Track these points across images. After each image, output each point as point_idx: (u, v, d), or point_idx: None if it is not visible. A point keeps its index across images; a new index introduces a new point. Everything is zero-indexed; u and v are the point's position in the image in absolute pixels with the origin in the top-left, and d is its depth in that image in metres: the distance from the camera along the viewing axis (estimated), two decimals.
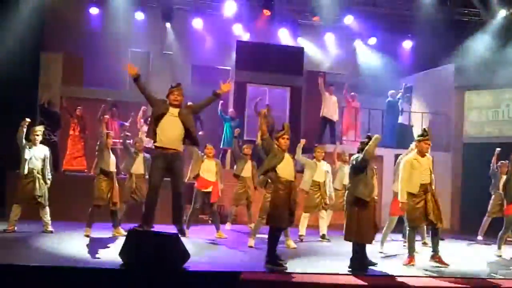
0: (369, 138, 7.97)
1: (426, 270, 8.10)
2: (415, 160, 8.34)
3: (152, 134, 7.85)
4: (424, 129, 8.74)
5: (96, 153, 10.30)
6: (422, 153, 8.40)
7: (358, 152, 8.09)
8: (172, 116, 7.74)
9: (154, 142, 7.84)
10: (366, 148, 7.77)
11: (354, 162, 7.96)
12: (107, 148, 10.09)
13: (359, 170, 7.84)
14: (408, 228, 8.55)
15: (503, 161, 11.90)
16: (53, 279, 6.57)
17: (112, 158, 10.16)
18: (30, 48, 14.00)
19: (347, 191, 8.13)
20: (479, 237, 12.27)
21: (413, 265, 8.31)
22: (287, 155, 7.82)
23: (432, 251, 8.44)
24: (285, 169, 7.68)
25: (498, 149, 12.25)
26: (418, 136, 8.62)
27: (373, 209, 7.94)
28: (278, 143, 7.80)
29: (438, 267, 8.16)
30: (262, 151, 9.94)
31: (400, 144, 15.00)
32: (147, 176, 10.97)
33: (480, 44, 17.20)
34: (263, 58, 16.70)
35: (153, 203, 7.74)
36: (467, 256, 10.06)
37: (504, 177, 10.84)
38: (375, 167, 8.52)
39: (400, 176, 8.39)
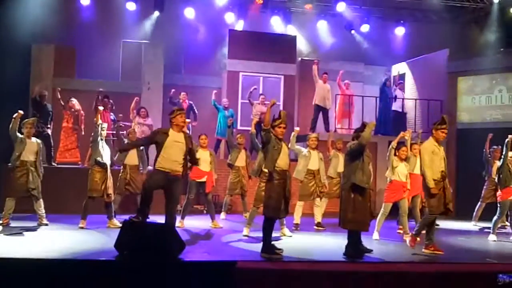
0: (364, 125, 7.96)
1: (421, 255, 8.13)
2: (435, 146, 8.23)
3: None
4: (443, 116, 8.52)
5: (90, 144, 10.26)
6: (438, 141, 8.29)
7: (353, 140, 8.09)
8: (175, 142, 7.77)
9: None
10: (362, 134, 7.75)
11: (350, 149, 7.93)
12: (101, 139, 10.05)
13: (355, 156, 7.82)
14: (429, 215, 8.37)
15: (495, 147, 11.94)
16: (49, 272, 6.56)
17: (106, 149, 10.13)
18: (21, 40, 13.90)
19: (343, 178, 8.12)
20: (473, 223, 12.34)
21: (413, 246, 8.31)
22: (283, 144, 7.81)
23: (427, 240, 8.34)
24: (281, 159, 7.67)
25: (490, 134, 12.28)
26: (436, 123, 8.40)
27: (369, 196, 7.94)
28: (274, 132, 7.78)
29: (433, 254, 8.14)
30: (256, 140, 9.99)
31: (395, 131, 15.02)
32: (141, 168, 11.02)
33: (473, 30, 17.24)
34: (256, 47, 16.67)
35: (148, 200, 7.76)
36: (462, 241, 10.10)
37: (497, 163, 10.88)
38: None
39: (423, 162, 8.18)
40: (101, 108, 10.69)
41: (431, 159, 8.13)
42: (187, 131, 9.82)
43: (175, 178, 7.75)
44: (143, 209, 7.67)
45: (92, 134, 10.11)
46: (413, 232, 8.50)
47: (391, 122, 15.71)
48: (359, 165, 7.78)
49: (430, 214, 8.29)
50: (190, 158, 8.04)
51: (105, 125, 10.33)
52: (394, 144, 10.10)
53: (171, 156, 7.71)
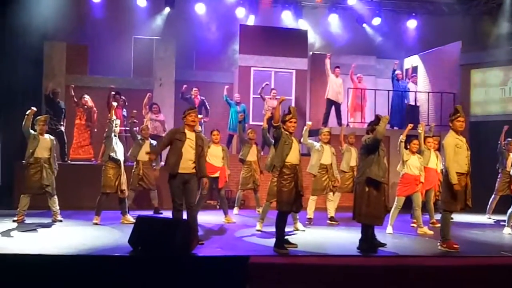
0: (378, 118, 7.92)
1: (436, 249, 8.09)
2: (457, 139, 8.00)
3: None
4: (456, 107, 8.34)
5: (104, 140, 10.29)
6: (458, 132, 8.06)
7: (367, 133, 8.04)
8: (190, 141, 7.93)
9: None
10: (377, 128, 7.70)
11: (365, 143, 7.87)
12: (115, 135, 10.08)
13: (371, 150, 7.76)
14: (443, 211, 8.17)
15: (510, 139, 11.86)
16: (64, 268, 6.61)
17: (120, 145, 10.16)
18: (33, 38, 13.97)
19: (358, 172, 8.05)
20: (488, 216, 12.26)
21: (456, 247, 7.97)
22: (294, 139, 7.82)
23: (443, 237, 8.12)
24: (292, 154, 7.70)
25: (506, 126, 12.20)
26: (451, 115, 8.18)
27: (384, 191, 7.88)
28: (286, 126, 7.79)
29: (449, 251, 7.95)
30: (268, 135, 9.99)
31: (408, 125, 14.95)
32: (154, 164, 11.06)
33: (485, 22, 17.06)
34: (267, 41, 16.63)
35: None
36: (476, 234, 10.04)
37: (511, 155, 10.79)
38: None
39: (447, 157, 7.92)
40: (115, 104, 10.72)
41: (456, 152, 7.91)
42: (199, 127, 9.85)
43: (191, 175, 7.89)
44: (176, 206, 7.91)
45: (106, 130, 10.16)
46: (442, 239, 8.10)
47: (404, 115, 15.62)
48: (375, 159, 7.72)
49: (448, 210, 8.06)
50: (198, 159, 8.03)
51: (118, 121, 10.36)
52: (402, 137, 10.05)
53: (186, 156, 7.85)
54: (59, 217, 9.99)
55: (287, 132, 7.79)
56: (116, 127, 10.13)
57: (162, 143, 8.18)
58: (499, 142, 12.18)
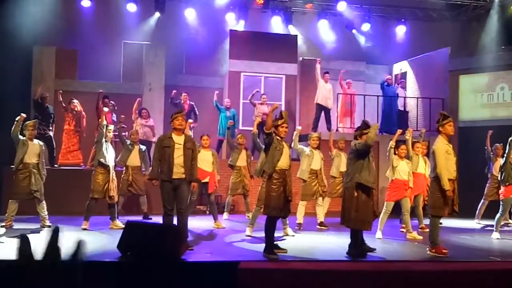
0: (366, 123, 7.93)
1: (425, 254, 8.11)
2: (447, 145, 8.01)
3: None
4: (442, 113, 8.37)
5: (94, 145, 10.24)
6: (448, 137, 8.08)
7: (355, 138, 8.06)
8: (178, 145, 7.88)
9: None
10: (367, 134, 7.71)
11: (355, 148, 7.85)
12: (106, 140, 10.03)
13: (360, 156, 7.75)
14: (432, 216, 8.17)
15: (498, 144, 11.91)
16: None
17: (110, 151, 10.12)
18: (22, 42, 13.91)
19: (346, 177, 8.04)
20: (476, 221, 12.32)
21: (445, 252, 7.96)
22: (284, 144, 7.82)
23: (432, 242, 8.09)
24: (282, 159, 7.69)
25: (490, 131, 12.24)
26: (439, 120, 8.15)
27: (372, 195, 7.89)
28: (277, 131, 7.79)
29: (438, 256, 7.95)
30: (258, 140, 10.00)
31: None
32: (143, 169, 11.03)
33: (474, 28, 17.20)
34: (257, 47, 16.68)
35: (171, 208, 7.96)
36: (465, 239, 10.09)
37: (500, 160, 10.84)
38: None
39: (439, 164, 7.86)
40: (106, 109, 10.69)
41: (446, 158, 7.90)
42: (190, 132, 9.83)
43: (181, 181, 7.86)
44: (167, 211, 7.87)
45: (97, 135, 10.12)
46: (431, 244, 8.05)
47: (394, 120, 15.68)
48: (365, 164, 7.71)
49: (436, 216, 8.05)
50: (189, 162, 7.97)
51: (111, 126, 10.33)
52: (392, 143, 10.09)
53: (176, 161, 7.82)
54: (48, 223, 9.94)
55: (278, 138, 7.79)
56: (109, 132, 10.10)
57: (156, 159, 8.07)
58: (485, 147, 12.24)
